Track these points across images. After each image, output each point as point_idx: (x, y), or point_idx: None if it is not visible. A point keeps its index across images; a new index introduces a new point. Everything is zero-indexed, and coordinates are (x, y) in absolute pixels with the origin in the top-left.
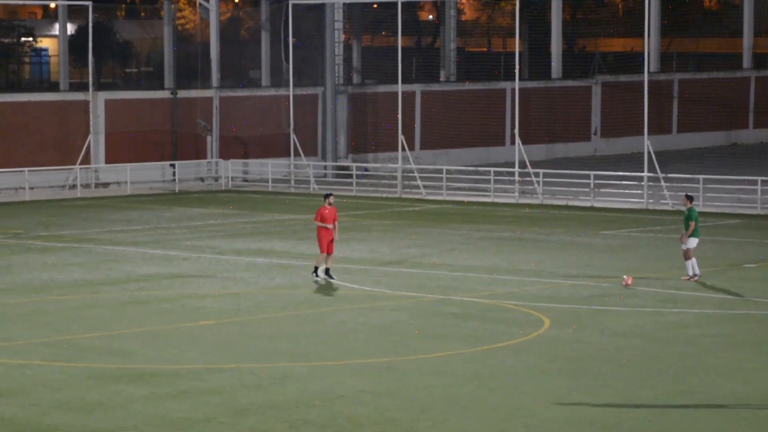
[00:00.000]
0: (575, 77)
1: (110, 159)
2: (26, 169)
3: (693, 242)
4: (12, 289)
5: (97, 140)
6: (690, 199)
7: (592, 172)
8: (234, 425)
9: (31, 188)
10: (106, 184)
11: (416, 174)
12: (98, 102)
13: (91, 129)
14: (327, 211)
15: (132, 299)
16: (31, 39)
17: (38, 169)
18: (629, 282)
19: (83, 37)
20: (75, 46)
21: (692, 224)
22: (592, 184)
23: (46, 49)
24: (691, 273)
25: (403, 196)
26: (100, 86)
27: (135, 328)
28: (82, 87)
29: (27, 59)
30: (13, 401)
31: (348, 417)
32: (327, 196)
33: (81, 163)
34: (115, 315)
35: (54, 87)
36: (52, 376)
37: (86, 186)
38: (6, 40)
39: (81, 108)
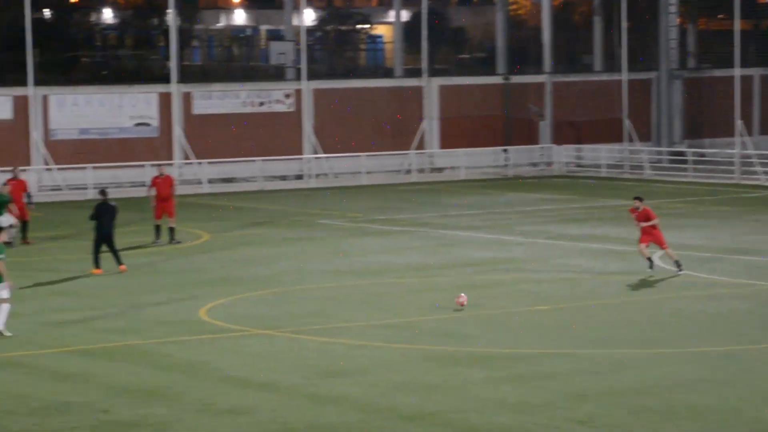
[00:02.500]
0: None
1: (444, 144)
2: (363, 153)
3: None
4: (351, 271)
5: (431, 126)
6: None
7: None
8: (571, 410)
9: (368, 173)
10: (440, 169)
11: (755, 159)
12: (432, 88)
13: (425, 114)
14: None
15: (467, 283)
16: (367, 26)
17: (375, 154)
18: (462, 302)
19: (417, 23)
20: (409, 32)
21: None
22: None
23: (381, 36)
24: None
25: (741, 182)
26: (433, 72)
27: (471, 312)
28: (416, 73)
29: (363, 46)
30: (353, 381)
31: (688, 405)
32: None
33: (416, 148)
34: (452, 299)
35: (389, 73)
36: (391, 358)
37: (421, 171)
38: (343, 28)
39: (415, 94)
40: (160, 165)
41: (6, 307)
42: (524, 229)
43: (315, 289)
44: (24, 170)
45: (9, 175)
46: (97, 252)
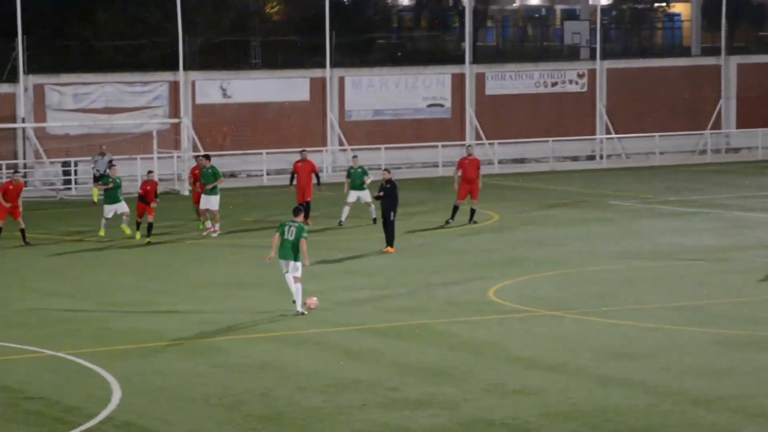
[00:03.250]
0: None
1: (741, 124)
2: (656, 134)
3: None
4: (642, 253)
5: (728, 105)
6: None
7: None
8: None
9: (661, 153)
10: (736, 150)
11: None
12: (730, 66)
13: (723, 94)
14: None
15: (760, 266)
16: (664, 4)
17: (668, 135)
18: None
19: (716, 1)
20: (707, 10)
21: None
22: None
23: (678, 14)
24: None
25: None
26: (732, 50)
27: (765, 296)
28: (714, 51)
29: (659, 24)
30: (643, 364)
31: None
32: None
33: (711, 128)
34: (745, 281)
35: (685, 52)
36: (682, 341)
37: (716, 151)
38: (639, 6)
39: (712, 73)
40: (468, 146)
41: (299, 286)
42: None
43: (604, 270)
44: (319, 151)
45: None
46: (387, 231)
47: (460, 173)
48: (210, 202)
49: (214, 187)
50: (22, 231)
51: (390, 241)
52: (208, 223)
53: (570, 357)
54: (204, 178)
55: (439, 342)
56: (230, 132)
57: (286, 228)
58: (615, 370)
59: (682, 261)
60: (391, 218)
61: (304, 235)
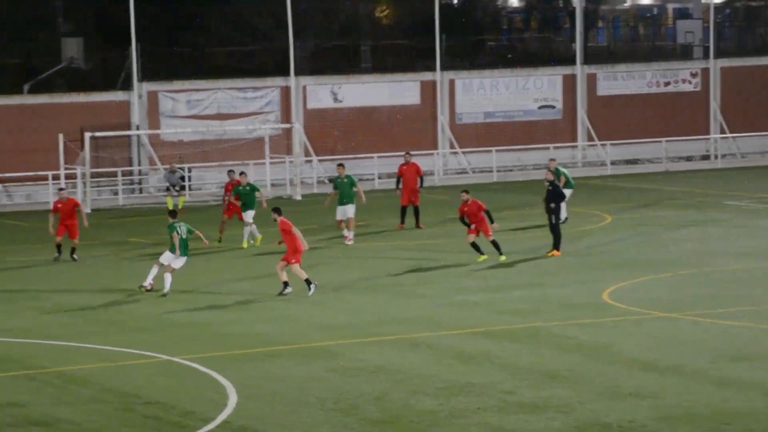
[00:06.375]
0: None
1: None
2: None
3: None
4: (758, 253)
5: None
6: None
7: None
8: None
9: None
10: None
11: None
12: None
13: None
14: None
15: None
16: None
17: None
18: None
19: None
20: None
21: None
22: None
23: None
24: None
25: None
26: None
27: None
28: None
29: None
30: (762, 366)
31: None
32: None
33: None
34: None
35: None
36: None
37: None
38: (753, 4)
39: None
40: None
41: (170, 276)
42: None
43: (720, 271)
44: (430, 154)
45: (411, 159)
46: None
47: None
48: (347, 212)
49: (351, 197)
50: (73, 248)
51: (556, 245)
52: (345, 232)
53: (686, 359)
54: (343, 188)
55: (553, 344)
56: (341, 136)
57: (178, 228)
58: (733, 372)
59: None
60: (553, 221)
61: (194, 229)
